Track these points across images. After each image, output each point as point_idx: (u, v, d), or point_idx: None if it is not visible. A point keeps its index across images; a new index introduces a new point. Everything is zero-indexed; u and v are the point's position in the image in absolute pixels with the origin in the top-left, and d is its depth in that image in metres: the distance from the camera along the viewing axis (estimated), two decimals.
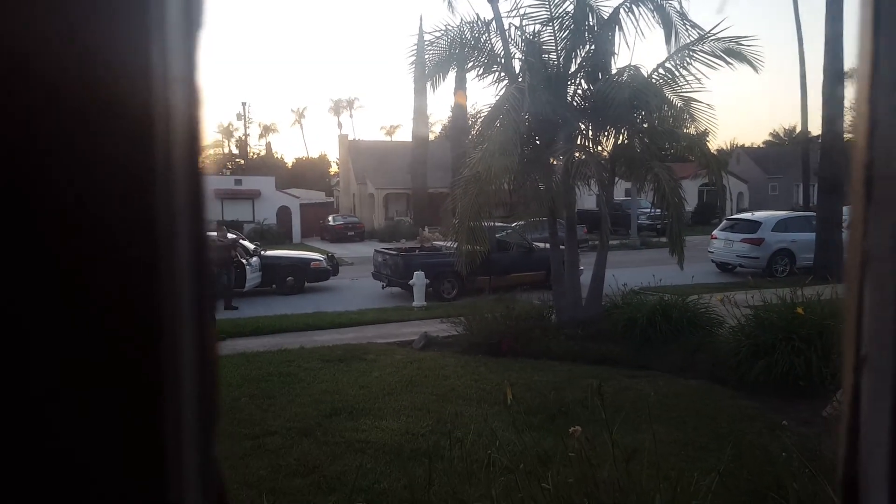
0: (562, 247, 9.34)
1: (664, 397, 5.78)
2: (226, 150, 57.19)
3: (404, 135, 74.91)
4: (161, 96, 0.36)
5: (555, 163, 9.08)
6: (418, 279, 11.56)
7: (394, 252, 13.59)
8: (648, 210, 24.26)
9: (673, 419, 5.14)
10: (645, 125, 8.62)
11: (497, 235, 13.15)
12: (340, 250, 22.40)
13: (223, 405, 5.60)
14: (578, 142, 9.22)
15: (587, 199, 9.90)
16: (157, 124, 0.36)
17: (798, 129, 35.94)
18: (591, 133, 9.23)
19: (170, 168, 0.36)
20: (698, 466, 3.92)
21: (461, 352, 7.80)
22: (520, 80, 8.85)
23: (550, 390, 6.00)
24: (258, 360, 7.54)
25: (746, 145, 50.92)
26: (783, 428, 4.05)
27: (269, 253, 13.88)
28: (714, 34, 8.41)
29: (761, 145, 56.86)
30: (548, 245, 10.21)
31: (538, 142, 9.08)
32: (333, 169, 55.27)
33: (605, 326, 7.93)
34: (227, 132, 58.71)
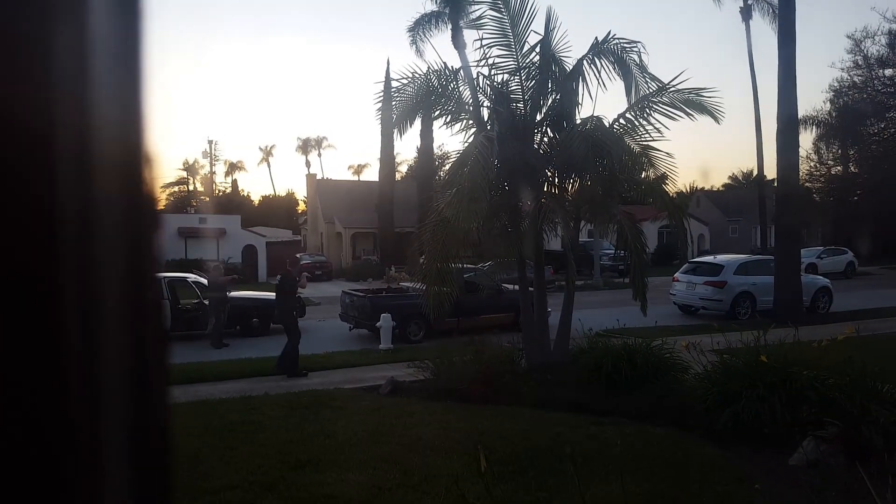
0: (530, 289, 9.41)
1: (632, 446, 5.77)
2: (191, 188, 56.45)
3: (372, 174, 75.05)
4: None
5: (523, 207, 9.21)
6: (385, 321, 11.46)
7: (361, 294, 13.48)
8: (611, 251, 24.72)
9: (641, 469, 5.12)
10: (606, 172, 8.83)
11: (465, 276, 13.17)
12: (308, 290, 22.10)
13: (181, 457, 5.37)
14: (545, 188, 9.40)
15: (553, 239, 10.02)
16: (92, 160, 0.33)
17: (755, 173, 37.33)
18: (556, 179, 9.42)
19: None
20: None
21: (428, 397, 7.68)
22: (488, 127, 9.02)
23: (521, 439, 5.94)
24: (221, 408, 7.29)
25: (707, 188, 52.55)
26: (756, 491, 4.06)
27: (235, 294, 13.59)
28: (673, 86, 8.74)
29: (721, 188, 58.79)
30: (516, 287, 10.26)
31: (507, 187, 9.21)
32: (301, 207, 54.96)
33: (573, 371, 7.94)
34: (193, 170, 58.05)
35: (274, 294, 11.29)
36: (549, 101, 9.26)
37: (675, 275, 16.71)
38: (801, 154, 15.78)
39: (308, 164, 71.77)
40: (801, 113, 15.00)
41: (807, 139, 38.29)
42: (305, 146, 69.89)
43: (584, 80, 8.98)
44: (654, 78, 9.03)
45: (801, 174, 19.39)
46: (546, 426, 6.43)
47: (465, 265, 10.49)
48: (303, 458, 5.46)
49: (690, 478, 4.93)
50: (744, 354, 6.38)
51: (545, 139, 9.44)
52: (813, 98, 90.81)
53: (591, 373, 7.63)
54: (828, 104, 38.32)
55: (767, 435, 5.55)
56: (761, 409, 5.58)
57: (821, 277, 17.54)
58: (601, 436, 6.08)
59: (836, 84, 38.43)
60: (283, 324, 10.02)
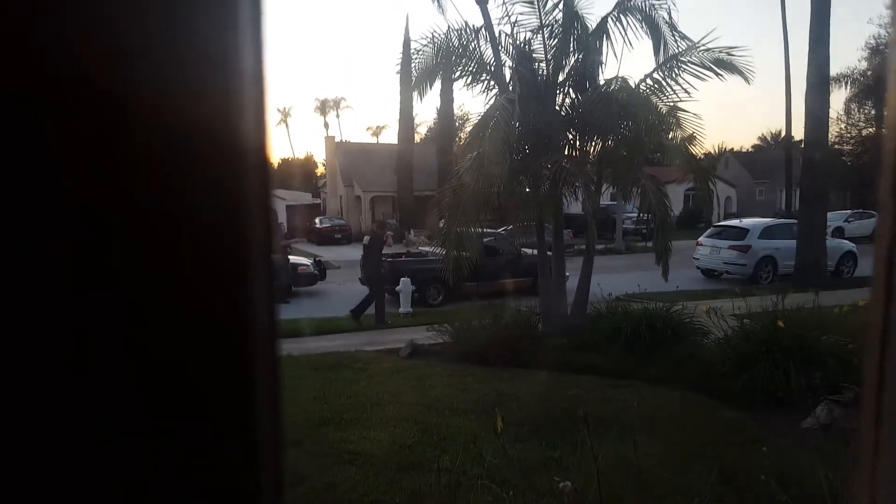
0: (549, 253, 9.47)
1: (647, 408, 5.90)
2: None
3: (391, 135, 74.76)
4: (239, 97, 0.37)
5: (543, 171, 9.21)
6: (404, 286, 11.63)
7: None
8: (634, 215, 24.53)
9: (656, 431, 5.25)
10: (630, 134, 8.76)
11: (484, 241, 13.23)
12: (328, 253, 22.39)
13: None
14: (566, 151, 9.36)
15: (573, 203, 10.01)
16: (238, 128, 0.37)
17: (783, 134, 36.42)
18: (578, 142, 9.36)
19: (245, 172, 0.38)
20: (682, 481, 4.05)
21: (447, 360, 7.88)
22: (510, 88, 8.96)
23: (537, 401, 6.10)
24: None
25: (735, 149, 51.46)
26: (763, 453, 4.18)
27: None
28: (703, 44, 8.57)
29: (750, 149, 57.50)
30: (535, 251, 10.33)
31: (527, 150, 9.19)
32: (320, 170, 55.13)
33: (591, 335, 8.05)
34: None
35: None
36: (572, 60, 9.14)
37: (700, 238, 16.61)
38: (831, 115, 15.33)
39: (326, 125, 71.68)
40: (833, 72, 14.52)
41: (838, 99, 37.11)
42: (323, 107, 69.65)
43: (609, 38, 8.84)
44: (683, 36, 8.85)
45: (830, 136, 18.90)
46: (562, 389, 6.58)
47: (484, 229, 10.54)
48: (326, 417, 5.70)
49: (704, 440, 5.06)
50: (763, 319, 6.43)
51: (567, 100, 9.36)
52: (847, 56, 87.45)
53: (608, 337, 7.74)
54: (863, 62, 36.97)
55: (783, 399, 5.64)
56: (776, 374, 5.66)
57: (846, 241, 17.30)
58: (617, 398, 6.22)
59: (872, 41, 36.97)
60: (370, 281, 10.65)
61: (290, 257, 13.15)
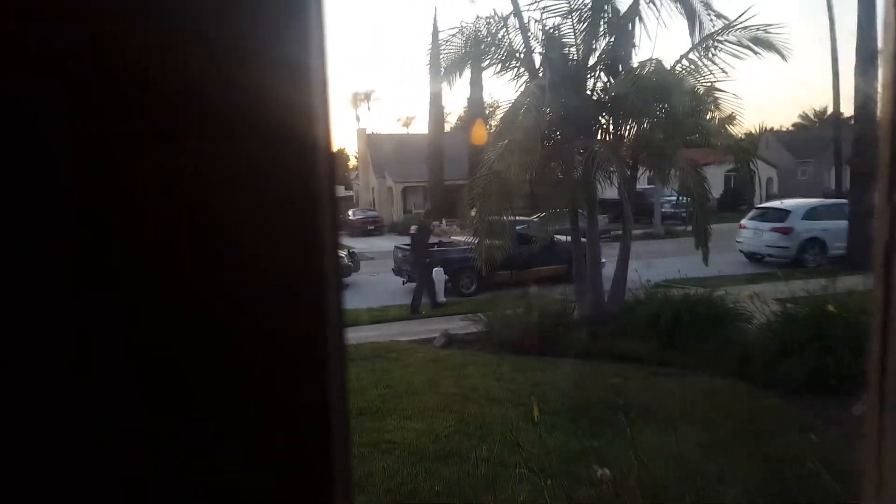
0: (583, 240, 9.36)
1: (690, 396, 5.80)
2: None
3: (420, 126, 74.50)
4: (310, 101, 0.40)
5: (576, 156, 9.09)
6: (437, 275, 11.63)
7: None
8: (673, 198, 24.07)
9: (699, 420, 5.16)
10: (666, 116, 8.58)
11: (517, 228, 13.16)
12: (361, 245, 22.57)
13: None
14: (600, 135, 9.22)
15: (608, 188, 9.86)
16: (312, 131, 0.40)
17: (829, 111, 35.19)
18: (612, 126, 9.21)
19: (316, 168, 0.40)
20: (726, 470, 3.96)
21: (482, 350, 7.88)
22: (540, 74, 8.85)
23: (574, 390, 6.05)
24: None
25: (775, 128, 49.94)
26: (812, 440, 4.06)
27: None
28: (740, 23, 8.32)
29: (790, 128, 55.72)
30: (569, 238, 10.23)
31: (559, 136, 9.09)
32: (352, 163, 55.56)
33: (629, 323, 7.94)
34: None
35: (409, 244, 12.13)
36: (603, 44, 8.98)
37: (742, 221, 16.22)
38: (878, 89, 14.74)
39: (358, 118, 71.98)
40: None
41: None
42: (355, 100, 69.98)
43: (642, 20, 8.66)
44: (719, 15, 8.64)
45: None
46: (600, 377, 6.52)
47: (516, 217, 10.47)
48: (363, 406, 5.75)
49: (749, 427, 4.95)
50: (809, 303, 6.24)
51: (599, 84, 9.21)
52: None
53: (648, 324, 7.62)
54: None
55: (834, 386, 5.47)
56: (827, 360, 5.49)
57: None
58: (657, 387, 6.13)
59: None
60: (418, 270, 10.98)
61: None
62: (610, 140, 9.19)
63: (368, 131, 41.74)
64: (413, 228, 12.25)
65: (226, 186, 0.38)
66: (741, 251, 15.76)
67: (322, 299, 0.41)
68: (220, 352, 0.39)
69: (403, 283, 13.55)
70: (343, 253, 14.68)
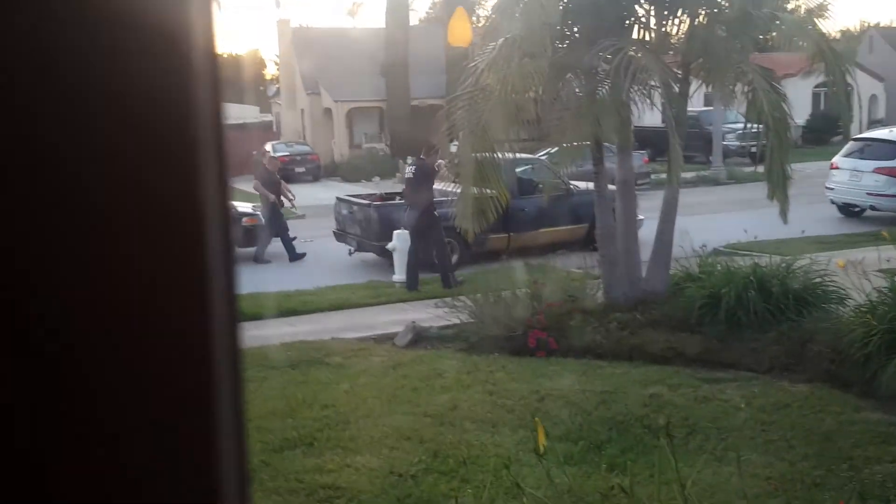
0: (611, 187, 9.41)
1: (760, 411, 5.94)
2: None
3: (373, 17, 73.92)
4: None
5: (601, 64, 9.06)
6: (401, 241, 11.63)
7: (365, 201, 13.64)
8: (738, 126, 24.24)
9: (773, 443, 5.30)
10: (732, 7, 8.58)
11: (517, 171, 13.16)
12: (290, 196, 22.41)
13: None
14: (636, 33, 9.20)
15: (648, 111, 9.87)
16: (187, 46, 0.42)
17: None
18: (654, 21, 9.18)
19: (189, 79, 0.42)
20: None
21: (466, 349, 7.94)
22: None
23: (597, 405, 6.15)
24: None
25: (883, 24, 50.27)
26: None
27: None
28: None
29: None
30: (591, 185, 10.27)
31: (577, 35, 9.06)
32: (271, 72, 54.77)
33: (675, 308, 8.06)
34: None
35: (402, 191, 11.98)
36: None
37: (834, 160, 16.41)
38: None
39: (277, 2, 70.67)
40: None
41: None
42: None
43: None
44: None
45: None
46: (634, 386, 6.62)
47: (516, 155, 10.47)
48: (291, 436, 5.79)
49: (841, 454, 5.10)
50: None
51: None
52: None
53: (702, 309, 7.74)
54: None
55: None
56: None
57: None
58: (716, 398, 6.27)
59: None
60: (420, 231, 11.11)
61: (236, 204, 13.29)
62: (651, 40, 9.18)
63: (294, 24, 41.05)
64: (409, 170, 12.07)
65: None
66: (832, 201, 16.02)
67: (202, 283, 0.43)
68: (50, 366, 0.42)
69: (350, 254, 13.56)
70: (248, 212, 14.48)
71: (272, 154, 20.31)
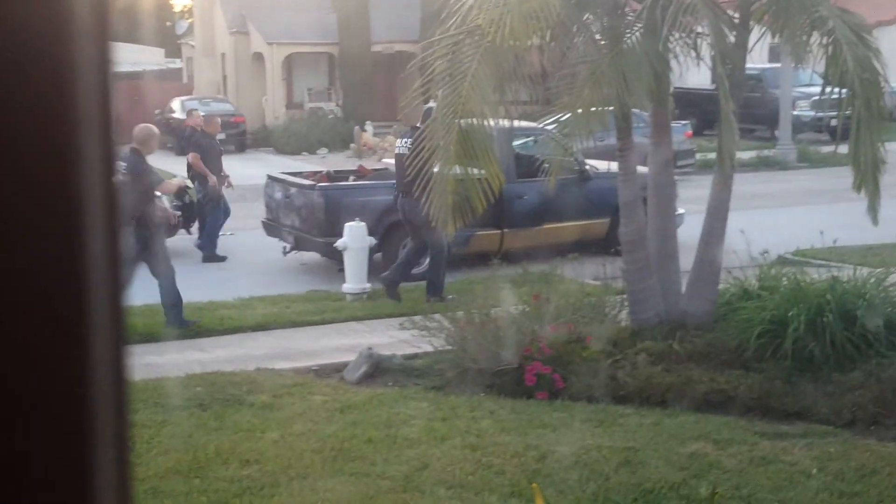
0: (641, 170, 9.44)
1: (838, 479, 5.96)
2: None
3: None
4: None
5: (628, 4, 9.11)
6: (354, 237, 11.60)
7: (307, 182, 13.61)
8: (814, 90, 24.42)
9: None
10: None
11: (515, 145, 13.18)
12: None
13: None
14: None
15: (692, 68, 9.90)
16: None
17: None
18: None
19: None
20: None
21: (442, 388, 7.95)
22: None
23: (619, 466, 6.16)
24: None
25: None
26: None
27: None
28: None
29: None
30: (614, 166, 10.31)
31: None
32: (183, 6, 54.62)
33: (725, 335, 8.09)
34: None
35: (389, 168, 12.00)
36: None
37: None
38: None
39: None
40: None
41: None
42: None
43: None
44: None
45: None
46: (669, 441, 6.65)
47: (513, 123, 10.49)
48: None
49: None
50: None
51: None
52: None
53: (761, 338, 7.77)
54: None
55: None
56: None
57: None
58: (779, 459, 6.30)
59: None
60: (417, 225, 11.27)
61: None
62: None
63: None
64: (401, 143, 11.92)
65: None
66: None
67: (78, 297, 0.44)
68: None
69: (285, 253, 13.50)
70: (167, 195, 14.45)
71: (203, 113, 19.69)
